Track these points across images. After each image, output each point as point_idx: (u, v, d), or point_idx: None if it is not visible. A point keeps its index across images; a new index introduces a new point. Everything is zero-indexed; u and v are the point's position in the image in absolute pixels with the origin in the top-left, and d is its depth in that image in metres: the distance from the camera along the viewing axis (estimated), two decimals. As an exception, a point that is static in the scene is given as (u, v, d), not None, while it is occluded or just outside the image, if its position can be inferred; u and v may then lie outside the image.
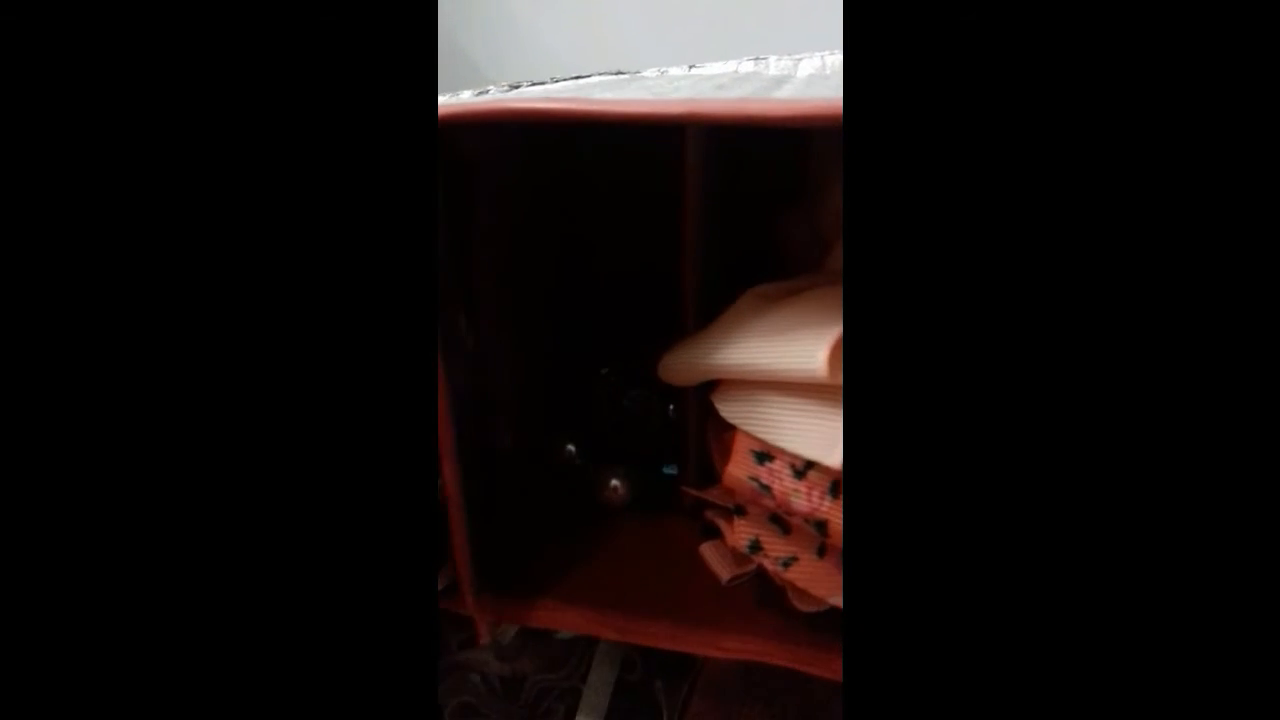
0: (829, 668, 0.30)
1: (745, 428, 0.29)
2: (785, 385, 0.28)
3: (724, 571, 0.35)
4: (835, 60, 0.36)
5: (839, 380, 0.25)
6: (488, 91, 0.37)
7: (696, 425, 0.37)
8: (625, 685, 0.50)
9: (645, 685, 0.50)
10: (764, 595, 0.34)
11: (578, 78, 0.38)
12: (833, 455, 0.25)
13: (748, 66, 0.38)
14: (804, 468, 0.27)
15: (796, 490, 0.27)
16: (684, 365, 0.32)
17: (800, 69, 0.36)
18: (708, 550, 0.36)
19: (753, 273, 0.33)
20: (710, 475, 0.37)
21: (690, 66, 0.38)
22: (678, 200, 0.33)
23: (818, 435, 0.26)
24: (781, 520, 0.30)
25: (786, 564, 0.30)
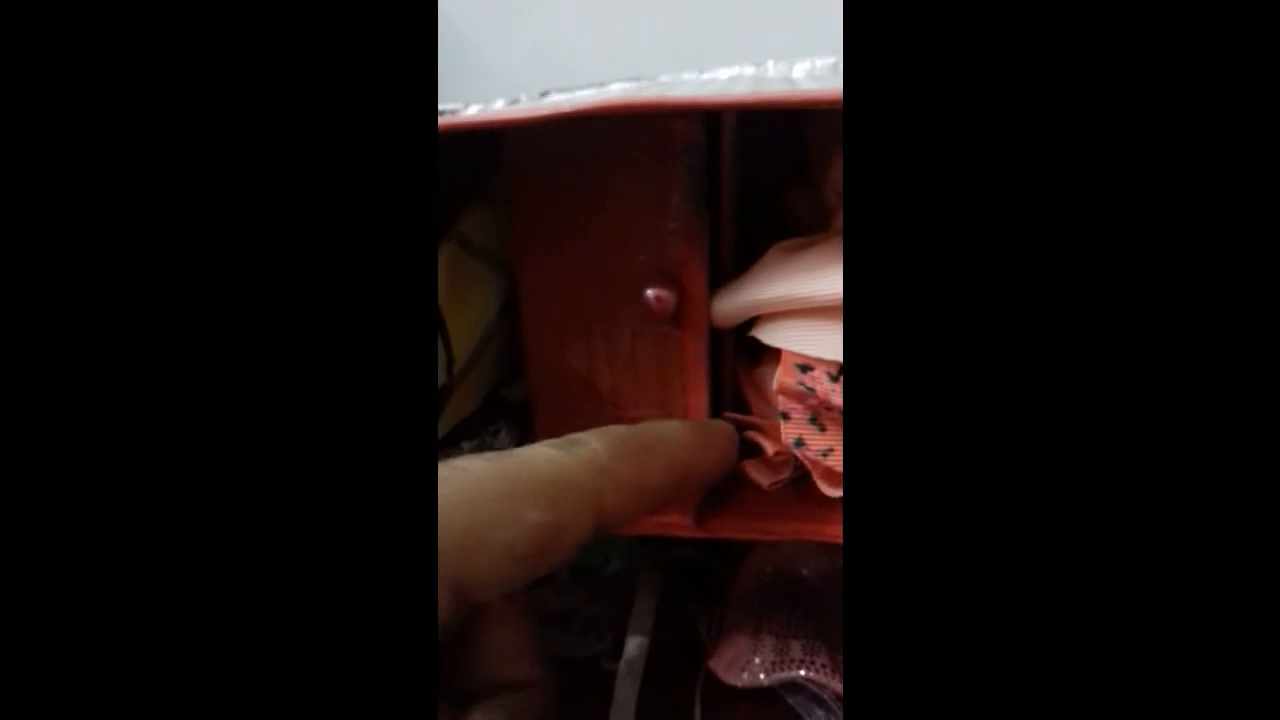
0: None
1: (788, 348, 0.37)
2: (817, 311, 0.36)
3: (764, 480, 0.42)
4: (822, 63, 0.44)
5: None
6: (519, 100, 0.44)
7: (730, 367, 0.45)
8: (662, 610, 0.57)
9: (679, 609, 0.58)
10: (796, 495, 0.42)
11: (601, 84, 0.46)
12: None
13: (750, 70, 0.46)
14: (838, 372, 0.35)
15: (835, 390, 0.35)
16: (732, 307, 0.40)
17: (795, 71, 0.44)
18: (749, 465, 0.43)
19: (769, 239, 0.41)
20: (742, 410, 0.45)
21: (701, 71, 0.46)
22: (716, 183, 0.41)
23: (848, 345, 0.35)
24: (818, 421, 0.38)
25: (825, 454, 0.38)
